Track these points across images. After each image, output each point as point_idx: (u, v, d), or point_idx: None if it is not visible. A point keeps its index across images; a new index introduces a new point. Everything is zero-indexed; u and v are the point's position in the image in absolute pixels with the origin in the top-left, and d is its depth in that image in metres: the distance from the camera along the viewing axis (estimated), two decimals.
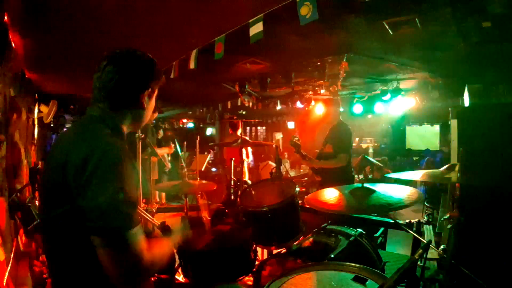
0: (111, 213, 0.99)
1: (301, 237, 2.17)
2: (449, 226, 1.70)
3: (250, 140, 3.75)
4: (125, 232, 1.00)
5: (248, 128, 13.48)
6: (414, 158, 9.47)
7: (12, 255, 2.47)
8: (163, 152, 5.63)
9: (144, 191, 2.98)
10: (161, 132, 7.01)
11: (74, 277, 1.12)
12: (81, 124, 1.26)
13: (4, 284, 2.10)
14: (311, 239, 2.13)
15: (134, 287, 1.07)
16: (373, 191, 1.82)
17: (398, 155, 10.26)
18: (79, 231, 1.02)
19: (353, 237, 2.01)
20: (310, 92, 6.28)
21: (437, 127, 10.05)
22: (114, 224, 0.99)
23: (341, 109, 3.76)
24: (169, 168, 6.07)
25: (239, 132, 5.73)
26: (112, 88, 1.19)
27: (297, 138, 3.26)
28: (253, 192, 2.35)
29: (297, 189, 2.21)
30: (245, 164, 4.83)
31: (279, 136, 11.91)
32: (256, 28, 2.48)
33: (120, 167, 1.03)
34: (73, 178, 1.02)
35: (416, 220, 2.12)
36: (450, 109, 3.09)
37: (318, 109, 6.63)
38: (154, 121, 4.74)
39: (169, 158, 6.32)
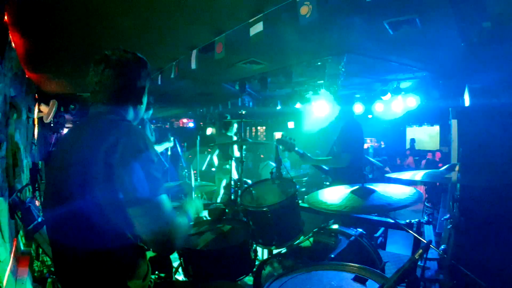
0: (146, 183, 1.13)
1: (301, 237, 2.17)
2: (449, 226, 1.70)
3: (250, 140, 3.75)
4: (158, 197, 1.16)
5: (248, 128, 13.48)
6: (415, 158, 9.48)
7: (12, 255, 2.47)
8: (163, 147, 5.52)
9: None
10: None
11: (88, 268, 1.17)
12: (92, 120, 1.32)
13: (4, 284, 2.10)
14: (311, 239, 2.13)
15: (170, 250, 1.25)
16: (373, 191, 1.82)
17: (398, 155, 10.26)
18: (100, 218, 1.12)
19: (353, 237, 2.01)
20: (310, 92, 6.28)
21: (437, 127, 10.06)
22: (149, 191, 1.13)
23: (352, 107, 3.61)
24: (166, 167, 6.01)
25: (231, 132, 5.63)
26: (114, 90, 1.29)
27: (289, 137, 3.11)
28: (253, 192, 2.35)
29: (297, 188, 2.21)
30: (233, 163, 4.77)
31: (279, 136, 11.91)
32: (256, 28, 2.48)
33: (145, 142, 1.17)
34: (103, 165, 1.11)
35: (416, 220, 2.12)
36: (450, 109, 3.09)
37: (318, 109, 6.62)
38: (147, 119, 4.68)
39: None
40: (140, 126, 2.80)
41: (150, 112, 4.65)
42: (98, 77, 1.28)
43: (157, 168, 1.18)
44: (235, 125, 5.56)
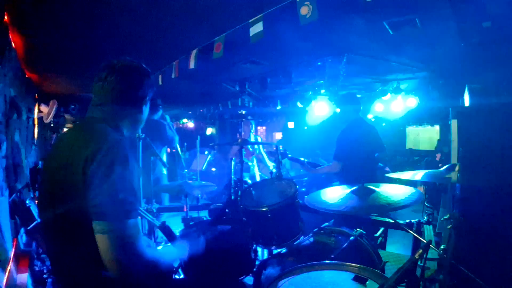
0: (114, 200, 1.08)
1: (301, 237, 2.17)
2: (449, 226, 1.70)
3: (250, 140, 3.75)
4: (125, 220, 1.10)
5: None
6: (415, 158, 9.47)
7: (12, 255, 2.47)
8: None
9: (145, 191, 2.97)
10: None
11: (81, 271, 1.17)
12: (83, 125, 1.34)
13: (4, 284, 2.10)
14: (311, 239, 2.13)
15: (124, 277, 1.11)
16: (373, 191, 1.82)
17: (398, 155, 10.25)
18: (85, 225, 1.10)
19: (353, 237, 2.00)
20: (310, 92, 6.28)
21: (437, 127, 10.05)
22: (115, 210, 1.08)
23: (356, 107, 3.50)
24: (167, 167, 5.99)
25: (249, 133, 5.69)
26: (114, 97, 1.30)
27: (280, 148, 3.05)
28: (253, 192, 2.35)
29: (297, 188, 2.21)
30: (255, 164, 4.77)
31: (279, 136, 11.91)
32: (256, 28, 2.48)
33: (123, 161, 1.13)
34: (82, 172, 1.10)
35: (416, 220, 2.12)
36: (450, 109, 3.09)
37: (318, 109, 6.62)
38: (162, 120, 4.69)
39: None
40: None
41: (160, 113, 4.66)
42: (101, 82, 1.30)
43: (131, 190, 1.13)
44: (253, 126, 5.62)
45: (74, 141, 1.23)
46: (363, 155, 3.29)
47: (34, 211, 3.03)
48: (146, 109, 1.42)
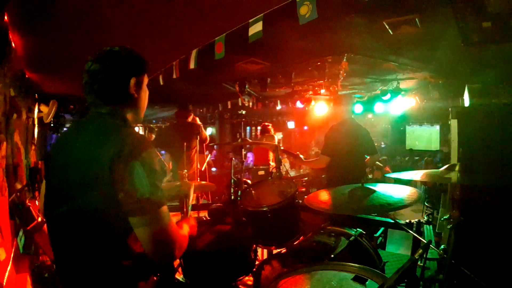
0: (148, 193, 1.11)
1: (301, 237, 2.17)
2: (449, 226, 1.70)
3: (250, 140, 3.77)
4: (159, 209, 1.14)
5: (248, 128, 13.49)
6: (415, 158, 9.49)
7: (12, 255, 2.46)
8: None
9: None
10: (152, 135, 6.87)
11: (90, 268, 1.17)
12: (92, 121, 1.27)
13: (4, 284, 2.10)
14: (311, 239, 2.13)
15: (170, 260, 1.23)
16: (373, 191, 1.81)
17: (398, 155, 10.26)
18: (103, 220, 1.12)
19: (353, 237, 2.00)
20: (310, 92, 6.28)
21: (437, 127, 10.06)
22: (150, 203, 1.12)
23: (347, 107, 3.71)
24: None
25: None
26: (103, 86, 1.23)
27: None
28: (253, 192, 2.35)
29: (297, 188, 2.21)
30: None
31: (279, 136, 11.94)
32: (256, 28, 2.48)
33: (149, 154, 1.14)
34: (107, 169, 1.08)
35: (416, 220, 2.12)
36: (450, 109, 3.09)
37: (318, 109, 6.64)
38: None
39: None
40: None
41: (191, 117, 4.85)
42: (86, 75, 1.24)
43: (159, 178, 1.15)
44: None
45: (87, 137, 1.20)
46: (348, 155, 3.33)
47: (34, 211, 3.02)
48: (139, 95, 1.33)
